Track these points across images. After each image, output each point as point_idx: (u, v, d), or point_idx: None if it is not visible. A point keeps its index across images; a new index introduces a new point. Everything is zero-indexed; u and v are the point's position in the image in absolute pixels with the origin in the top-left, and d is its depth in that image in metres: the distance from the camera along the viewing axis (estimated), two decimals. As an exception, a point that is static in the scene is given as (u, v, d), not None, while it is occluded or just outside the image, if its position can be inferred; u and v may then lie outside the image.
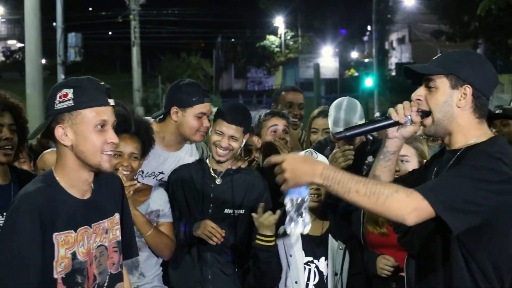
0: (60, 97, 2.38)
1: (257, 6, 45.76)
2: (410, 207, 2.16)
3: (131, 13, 26.96)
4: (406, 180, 2.61)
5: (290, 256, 3.36)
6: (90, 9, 43.35)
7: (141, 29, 28.80)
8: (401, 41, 52.40)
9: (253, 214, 3.30)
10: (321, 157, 3.51)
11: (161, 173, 3.74)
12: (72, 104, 2.36)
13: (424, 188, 2.22)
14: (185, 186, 3.62)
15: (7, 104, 3.12)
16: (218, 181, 3.60)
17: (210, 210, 3.57)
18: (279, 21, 47.75)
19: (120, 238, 2.64)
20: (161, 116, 3.78)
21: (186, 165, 3.72)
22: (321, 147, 4.02)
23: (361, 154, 3.86)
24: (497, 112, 5.17)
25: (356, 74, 39.64)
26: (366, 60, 44.39)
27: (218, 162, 3.58)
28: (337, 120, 3.84)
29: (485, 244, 2.28)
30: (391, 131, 2.50)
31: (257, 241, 3.30)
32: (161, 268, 3.62)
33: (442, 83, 2.37)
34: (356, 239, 3.46)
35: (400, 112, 2.44)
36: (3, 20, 52.99)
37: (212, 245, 3.49)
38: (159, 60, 40.90)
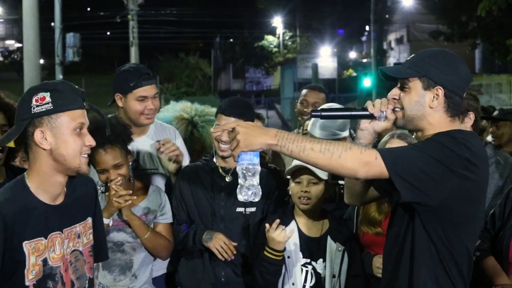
0: (37, 101, 2.36)
1: (256, 6, 45.76)
2: (362, 161, 2.29)
3: (129, 13, 26.97)
4: None
5: (288, 257, 3.34)
6: (88, 9, 43.29)
7: (139, 29, 28.81)
8: (399, 41, 52.42)
9: (267, 226, 3.25)
10: None
11: (135, 161, 3.74)
12: (52, 107, 2.35)
13: (384, 150, 2.35)
14: (193, 187, 3.58)
15: (1, 104, 3.10)
16: (228, 179, 3.56)
17: (221, 210, 3.53)
18: (277, 21, 47.74)
19: (93, 242, 2.64)
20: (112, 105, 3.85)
21: (192, 165, 3.71)
22: None
23: None
24: (494, 114, 5.18)
25: (355, 74, 39.65)
26: (365, 60, 44.39)
27: (222, 157, 3.55)
28: (315, 122, 3.83)
29: (443, 231, 2.37)
30: (363, 123, 2.61)
31: (266, 253, 3.26)
32: (159, 271, 3.59)
33: (415, 84, 2.48)
34: (355, 240, 3.45)
35: (377, 106, 2.56)
36: (1, 20, 52.93)
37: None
38: (157, 60, 40.83)
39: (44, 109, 2.35)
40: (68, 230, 2.51)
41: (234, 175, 3.54)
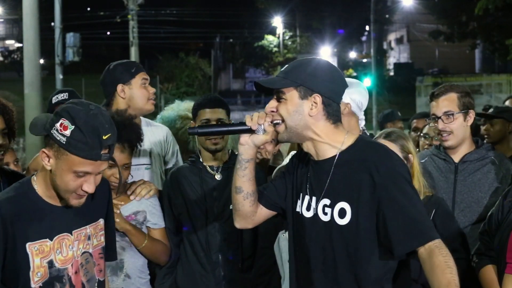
0: (60, 125, 2.30)
1: (256, 6, 45.73)
2: None
3: (129, 13, 26.94)
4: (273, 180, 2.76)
5: (288, 261, 3.34)
6: (88, 9, 43.26)
7: (139, 29, 28.78)
8: (399, 41, 52.44)
9: None
10: None
11: None
12: (64, 143, 2.29)
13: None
14: (183, 190, 3.56)
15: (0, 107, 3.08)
16: (218, 177, 3.56)
17: (215, 209, 3.52)
18: (277, 21, 47.74)
19: (104, 244, 2.63)
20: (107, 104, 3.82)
21: (179, 169, 3.68)
22: None
23: None
24: (489, 112, 5.20)
25: (355, 74, 39.62)
26: (365, 60, 44.40)
27: (215, 151, 3.54)
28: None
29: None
30: (243, 137, 2.57)
31: None
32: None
33: (291, 95, 2.45)
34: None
35: (254, 119, 2.52)
36: (1, 20, 52.92)
37: (219, 246, 3.47)
38: (157, 60, 40.86)
39: (58, 139, 2.30)
40: (78, 232, 2.49)
41: (223, 172, 3.55)
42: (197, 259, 3.54)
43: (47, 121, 2.40)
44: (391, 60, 48.74)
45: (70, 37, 18.93)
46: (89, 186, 2.36)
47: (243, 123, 2.54)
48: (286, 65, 2.56)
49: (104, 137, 2.31)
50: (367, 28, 43.20)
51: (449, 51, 39.17)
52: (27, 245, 2.36)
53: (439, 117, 3.57)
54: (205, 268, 3.50)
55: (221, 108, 3.56)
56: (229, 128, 2.68)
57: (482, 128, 4.99)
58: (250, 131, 2.54)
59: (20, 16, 15.80)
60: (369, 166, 2.39)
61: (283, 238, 3.35)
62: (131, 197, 3.41)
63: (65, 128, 2.28)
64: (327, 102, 2.45)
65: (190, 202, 3.54)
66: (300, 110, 2.44)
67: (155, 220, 3.45)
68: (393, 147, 3.30)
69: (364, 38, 49.33)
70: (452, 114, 3.54)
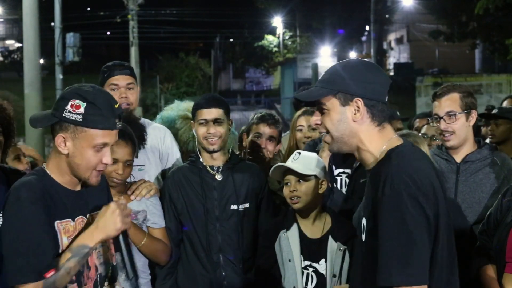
0: (71, 106, 2.39)
1: (256, 6, 45.72)
2: None
3: (129, 13, 26.94)
4: None
5: (289, 261, 3.33)
6: (88, 9, 43.26)
7: (139, 29, 28.76)
8: (399, 41, 52.43)
9: None
10: (313, 155, 3.49)
11: None
12: (81, 120, 2.38)
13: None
14: (182, 190, 3.56)
15: None
16: (218, 177, 3.55)
17: (215, 209, 3.51)
18: (277, 21, 47.73)
19: None
20: None
21: (179, 169, 3.67)
22: (309, 148, 4.01)
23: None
24: (493, 112, 5.20)
25: (355, 74, 39.58)
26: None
27: (212, 151, 3.53)
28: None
29: None
30: None
31: None
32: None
33: (332, 103, 2.35)
34: (357, 240, 3.43)
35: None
36: (1, 20, 52.92)
37: (220, 246, 3.47)
38: (157, 60, 40.82)
39: (73, 118, 2.39)
40: (91, 216, 2.55)
41: (224, 172, 3.55)
42: (198, 259, 3.53)
43: (47, 113, 2.46)
44: (391, 60, 48.71)
45: (70, 37, 18.94)
46: (108, 158, 2.46)
47: None
48: (323, 74, 2.44)
49: (116, 106, 2.45)
50: (367, 28, 43.20)
51: (449, 51, 39.17)
52: (56, 223, 2.41)
53: (441, 117, 3.56)
54: (206, 269, 3.50)
55: (219, 107, 3.55)
56: None
57: (483, 128, 4.99)
58: None
59: (20, 16, 15.81)
60: (380, 180, 2.22)
61: (284, 237, 3.36)
62: (132, 197, 3.41)
63: (78, 107, 2.37)
64: (370, 103, 2.32)
65: (190, 202, 3.54)
66: (343, 118, 2.33)
67: (155, 219, 3.45)
68: None
69: (364, 38, 49.32)
70: (455, 114, 3.54)
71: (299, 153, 3.43)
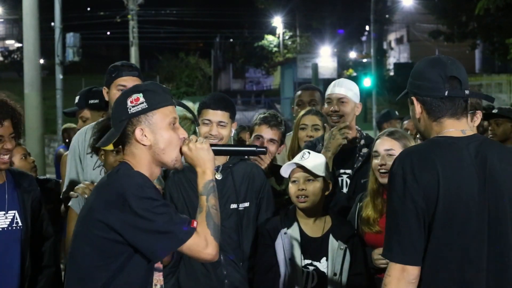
0: (131, 102, 2.49)
1: (256, 6, 45.74)
2: None
3: (129, 13, 26.96)
4: None
5: (290, 259, 3.34)
6: (88, 9, 43.26)
7: (139, 29, 28.80)
8: (399, 41, 52.43)
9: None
10: (321, 156, 3.51)
11: None
12: (146, 106, 2.48)
13: None
14: (183, 190, 3.57)
15: (8, 111, 3.13)
16: (218, 176, 3.54)
17: None
18: (277, 21, 47.73)
19: None
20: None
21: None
22: (312, 146, 4.02)
23: (354, 147, 3.97)
24: (493, 111, 5.21)
25: (355, 74, 39.61)
26: (365, 60, 44.34)
27: None
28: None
29: None
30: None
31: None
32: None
33: (410, 102, 2.61)
34: (357, 238, 3.44)
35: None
36: (1, 20, 52.92)
37: (220, 245, 3.46)
38: (157, 60, 40.85)
39: (140, 109, 2.48)
40: None
41: (224, 171, 3.55)
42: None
43: (111, 130, 2.54)
44: (391, 60, 48.69)
45: (70, 37, 18.95)
46: (182, 131, 2.59)
47: (255, 145, 2.69)
48: None
49: (164, 86, 2.61)
50: (367, 28, 43.20)
51: (449, 51, 39.10)
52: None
53: None
54: (207, 268, 3.50)
55: (225, 110, 3.53)
56: (239, 149, 2.89)
57: (488, 128, 5.01)
58: (263, 153, 2.75)
59: (20, 16, 15.81)
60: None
61: (285, 236, 3.36)
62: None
63: (137, 99, 2.49)
64: (423, 100, 2.52)
65: (190, 202, 3.53)
66: (414, 115, 2.58)
67: None
68: (396, 145, 3.32)
69: (364, 38, 49.32)
70: None
71: (309, 152, 3.44)
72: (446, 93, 2.46)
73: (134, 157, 2.52)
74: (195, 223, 2.44)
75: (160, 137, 2.50)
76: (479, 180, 2.39)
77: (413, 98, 2.54)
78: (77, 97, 4.91)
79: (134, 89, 2.55)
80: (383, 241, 2.47)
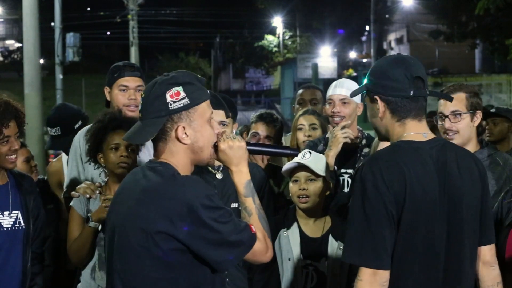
0: (171, 96, 2.32)
1: (256, 6, 45.74)
2: None
3: (130, 13, 26.98)
4: None
5: (289, 259, 3.34)
6: (88, 9, 43.26)
7: (139, 29, 28.81)
8: (399, 41, 52.42)
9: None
10: (323, 156, 3.51)
11: None
12: (189, 102, 2.33)
13: None
14: None
15: (13, 112, 3.17)
16: (219, 176, 3.55)
17: None
18: (277, 21, 47.73)
19: None
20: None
21: None
22: (313, 146, 4.03)
23: (355, 146, 3.98)
24: (491, 110, 5.23)
25: (355, 74, 39.60)
26: (365, 60, 44.37)
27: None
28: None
29: None
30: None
31: None
32: None
33: (367, 100, 2.60)
34: None
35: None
36: (1, 20, 52.94)
37: None
38: (157, 60, 40.95)
39: (182, 105, 2.33)
40: None
41: (224, 171, 3.54)
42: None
43: (139, 125, 2.38)
44: (391, 60, 48.62)
45: (70, 37, 18.96)
46: (217, 126, 2.58)
47: (289, 148, 2.78)
48: None
49: (199, 76, 2.47)
50: (367, 28, 43.21)
51: (449, 51, 39.14)
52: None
53: (447, 116, 3.55)
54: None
55: (224, 110, 3.53)
56: (272, 150, 2.90)
57: (486, 127, 5.02)
58: (295, 155, 2.82)
59: (20, 16, 15.80)
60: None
61: (284, 236, 3.36)
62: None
63: (177, 93, 2.33)
64: (387, 100, 2.50)
65: None
66: (374, 114, 2.56)
67: None
68: None
69: (364, 38, 49.32)
70: (460, 114, 3.52)
71: (310, 152, 3.44)
72: (412, 93, 2.48)
73: (173, 156, 2.37)
74: (253, 228, 2.35)
75: (200, 136, 2.38)
76: (439, 185, 2.43)
77: (376, 97, 2.51)
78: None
79: (173, 81, 2.35)
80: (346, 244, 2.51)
